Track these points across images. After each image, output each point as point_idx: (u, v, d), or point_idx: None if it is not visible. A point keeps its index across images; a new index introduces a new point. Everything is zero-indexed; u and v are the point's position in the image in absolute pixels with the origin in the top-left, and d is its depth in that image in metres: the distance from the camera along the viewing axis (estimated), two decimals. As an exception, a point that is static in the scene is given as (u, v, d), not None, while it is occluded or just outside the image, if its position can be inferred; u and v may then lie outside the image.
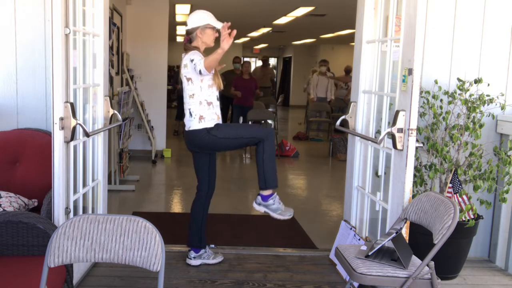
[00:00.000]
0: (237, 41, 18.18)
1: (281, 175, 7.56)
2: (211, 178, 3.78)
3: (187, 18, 3.62)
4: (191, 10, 9.92)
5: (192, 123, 3.55)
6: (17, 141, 3.46)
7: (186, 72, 3.52)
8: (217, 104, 3.59)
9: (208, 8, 3.65)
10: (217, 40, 3.61)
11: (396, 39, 3.25)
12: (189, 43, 3.61)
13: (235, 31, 3.32)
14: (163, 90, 8.64)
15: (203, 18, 3.57)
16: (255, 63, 22.63)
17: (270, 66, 17.62)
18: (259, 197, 3.60)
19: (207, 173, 3.76)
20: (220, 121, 3.60)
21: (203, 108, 3.51)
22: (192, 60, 3.43)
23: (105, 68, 3.74)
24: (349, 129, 3.87)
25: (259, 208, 3.61)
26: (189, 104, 3.55)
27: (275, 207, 3.58)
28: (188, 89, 3.54)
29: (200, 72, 3.40)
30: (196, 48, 3.56)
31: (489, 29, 3.87)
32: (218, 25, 3.55)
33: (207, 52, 3.62)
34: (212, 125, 3.52)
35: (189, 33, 3.60)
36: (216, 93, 3.58)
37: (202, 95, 3.51)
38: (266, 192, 3.57)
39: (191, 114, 3.55)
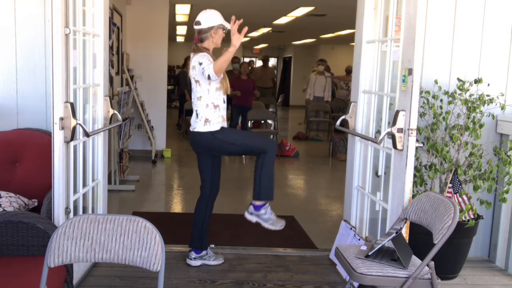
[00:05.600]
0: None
1: (281, 175, 7.61)
2: (214, 179, 3.77)
3: (200, 17, 3.56)
4: (191, 10, 9.92)
5: (197, 125, 3.55)
6: (17, 141, 3.46)
7: (194, 74, 3.51)
8: (223, 106, 3.59)
9: (208, 8, 3.63)
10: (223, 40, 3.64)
11: (396, 39, 3.25)
12: (200, 42, 3.58)
13: (246, 28, 3.32)
14: (163, 90, 8.64)
15: (216, 18, 3.57)
16: (255, 63, 22.61)
17: (270, 66, 17.60)
18: (251, 207, 3.62)
19: (210, 174, 3.75)
20: (225, 124, 3.60)
21: (209, 111, 3.51)
22: (200, 64, 3.41)
23: (105, 68, 3.74)
24: (349, 129, 3.87)
25: (250, 218, 3.63)
26: (196, 105, 3.56)
27: (267, 217, 3.61)
28: (196, 91, 3.55)
29: (208, 77, 3.38)
30: (206, 50, 3.54)
31: (489, 29, 3.87)
32: (229, 26, 3.55)
33: (215, 53, 3.61)
34: (218, 128, 3.52)
35: (202, 32, 3.55)
36: (224, 96, 3.59)
37: (209, 98, 3.51)
38: (258, 202, 3.59)
39: (197, 116, 3.55)
